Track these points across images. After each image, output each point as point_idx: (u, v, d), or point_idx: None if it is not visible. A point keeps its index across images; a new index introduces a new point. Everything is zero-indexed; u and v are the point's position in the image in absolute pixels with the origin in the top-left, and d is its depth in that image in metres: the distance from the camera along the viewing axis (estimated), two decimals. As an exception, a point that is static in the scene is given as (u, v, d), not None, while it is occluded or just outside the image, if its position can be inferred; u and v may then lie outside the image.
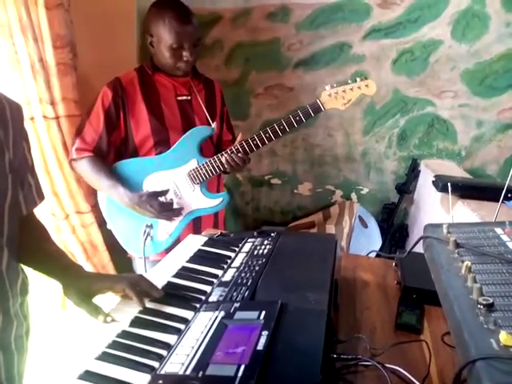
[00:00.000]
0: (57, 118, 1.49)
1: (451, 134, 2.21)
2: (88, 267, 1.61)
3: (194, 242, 1.04)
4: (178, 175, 1.49)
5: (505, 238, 0.78)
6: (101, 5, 1.75)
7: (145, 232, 1.46)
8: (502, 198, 1.00)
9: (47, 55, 1.43)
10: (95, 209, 1.64)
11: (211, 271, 0.89)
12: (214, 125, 1.54)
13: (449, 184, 1.20)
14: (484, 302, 0.57)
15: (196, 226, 1.58)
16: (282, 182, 2.47)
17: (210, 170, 1.47)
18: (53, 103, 1.46)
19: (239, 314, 0.69)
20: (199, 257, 0.97)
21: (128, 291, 0.77)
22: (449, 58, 2.12)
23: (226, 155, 1.43)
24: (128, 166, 1.49)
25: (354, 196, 2.43)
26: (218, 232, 1.12)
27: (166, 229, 1.50)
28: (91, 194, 1.63)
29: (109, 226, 1.56)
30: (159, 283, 0.83)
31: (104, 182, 1.42)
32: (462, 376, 0.52)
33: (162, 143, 1.48)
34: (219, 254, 0.98)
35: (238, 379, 0.53)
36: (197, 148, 1.48)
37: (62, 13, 1.45)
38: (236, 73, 2.30)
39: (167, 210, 1.43)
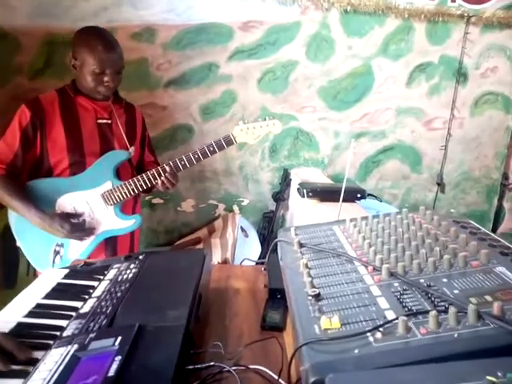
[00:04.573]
0: None
1: (314, 145, 2.45)
2: None
3: (53, 277, 0.98)
4: (91, 196, 1.53)
5: (339, 234, 0.90)
6: None
7: (55, 251, 1.49)
8: (341, 199, 1.15)
9: None
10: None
11: (70, 304, 0.85)
12: (131, 149, 1.62)
13: (304, 191, 1.34)
14: (312, 293, 0.65)
15: (110, 246, 1.63)
16: (164, 200, 2.45)
17: (125, 193, 1.53)
18: None
19: (94, 344, 0.67)
20: (57, 291, 0.91)
21: None
22: (305, 76, 2.35)
23: (161, 177, 1.53)
24: (41, 185, 1.50)
25: (236, 208, 2.53)
26: (82, 262, 1.07)
27: (76, 248, 1.53)
28: None
29: (18, 244, 1.54)
30: (7, 326, 0.76)
31: (15, 201, 1.42)
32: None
33: (77, 165, 1.51)
34: (81, 285, 0.94)
35: (83, 411, 0.52)
36: (112, 171, 1.54)
37: None
38: (104, 93, 2.23)
39: (78, 231, 1.47)
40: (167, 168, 1.55)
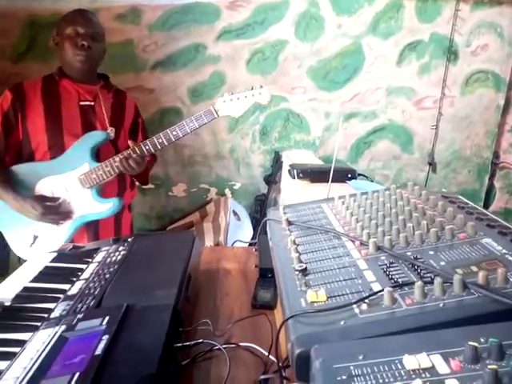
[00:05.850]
0: None
1: (305, 126, 2.43)
2: None
3: (41, 260, 0.97)
4: (69, 179, 1.49)
5: (328, 211, 0.90)
6: None
7: (34, 236, 1.49)
8: (330, 178, 1.14)
9: None
10: None
11: (58, 287, 0.84)
12: (110, 130, 1.57)
13: (295, 171, 1.33)
14: (299, 268, 0.65)
15: (92, 231, 1.58)
16: (155, 185, 2.43)
17: (101, 175, 1.47)
18: None
19: (81, 325, 0.67)
20: (45, 274, 0.90)
21: None
22: (295, 56, 2.32)
23: (118, 158, 1.44)
24: (20, 170, 1.49)
25: (228, 192, 2.52)
26: (71, 245, 1.06)
27: (54, 233, 1.50)
28: None
29: (1, 230, 1.56)
30: (-7, 310, 0.76)
31: None
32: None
33: (57, 148, 1.49)
34: (69, 268, 0.93)
35: (70, 389, 0.52)
36: (90, 152, 1.48)
37: None
38: (90, 77, 2.19)
39: (52, 214, 1.44)
40: (143, 147, 1.46)
